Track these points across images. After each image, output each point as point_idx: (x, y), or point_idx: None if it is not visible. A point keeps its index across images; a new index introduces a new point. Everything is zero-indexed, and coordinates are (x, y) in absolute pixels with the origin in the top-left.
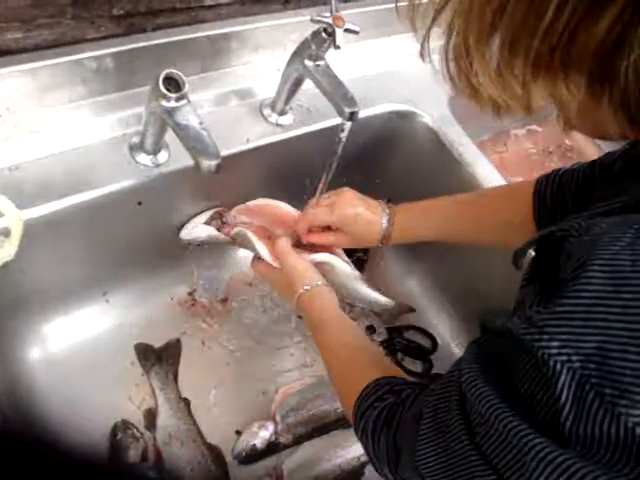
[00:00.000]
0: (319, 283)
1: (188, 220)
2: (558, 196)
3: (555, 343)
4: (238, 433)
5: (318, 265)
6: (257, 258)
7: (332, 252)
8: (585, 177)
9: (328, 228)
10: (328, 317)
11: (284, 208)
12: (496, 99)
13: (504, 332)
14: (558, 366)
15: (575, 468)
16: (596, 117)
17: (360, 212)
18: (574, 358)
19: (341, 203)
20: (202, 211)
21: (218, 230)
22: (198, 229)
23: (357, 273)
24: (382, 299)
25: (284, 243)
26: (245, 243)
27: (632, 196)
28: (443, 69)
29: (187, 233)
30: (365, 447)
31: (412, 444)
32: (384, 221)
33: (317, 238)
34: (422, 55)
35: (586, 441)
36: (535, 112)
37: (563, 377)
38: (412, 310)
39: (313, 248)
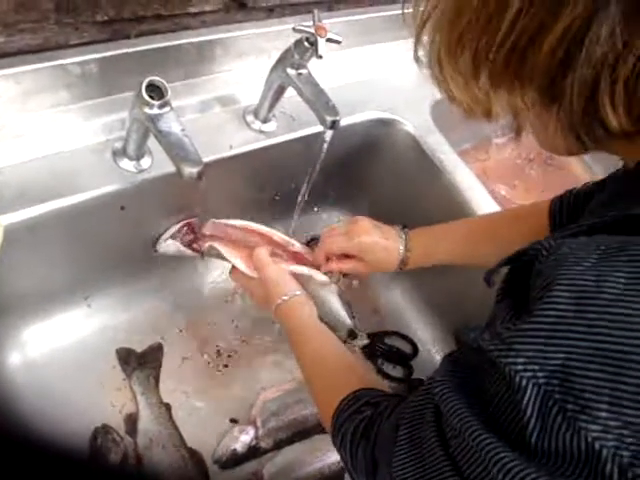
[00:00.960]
0: (297, 293)
1: (164, 232)
2: (572, 216)
3: (521, 360)
4: (233, 421)
5: (296, 276)
6: (235, 267)
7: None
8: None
9: (345, 256)
10: (306, 328)
11: (262, 230)
12: (464, 104)
13: (475, 347)
14: (524, 382)
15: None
16: (547, 130)
17: (377, 240)
18: (539, 374)
19: (357, 231)
20: (175, 223)
21: (189, 244)
22: (167, 243)
23: (334, 287)
24: (346, 320)
25: (262, 252)
26: (220, 256)
27: (602, 217)
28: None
29: (160, 246)
30: (343, 459)
31: (389, 456)
32: (401, 247)
33: (336, 266)
34: (415, 60)
35: (551, 455)
36: (494, 119)
37: (528, 392)
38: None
39: (291, 259)
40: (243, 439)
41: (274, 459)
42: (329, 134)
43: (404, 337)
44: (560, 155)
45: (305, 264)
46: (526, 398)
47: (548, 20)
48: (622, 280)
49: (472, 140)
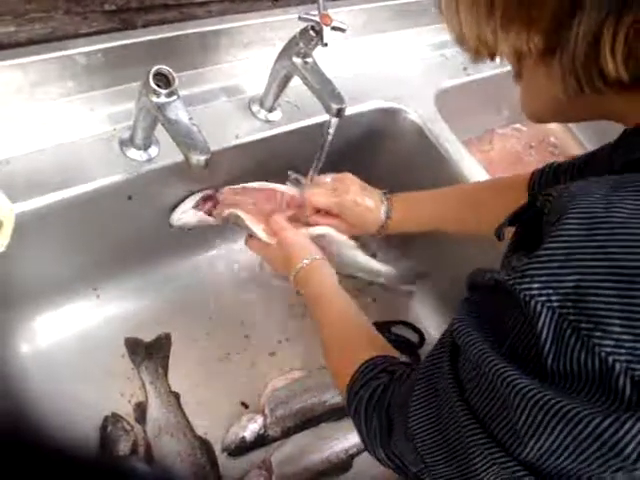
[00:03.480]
0: (317, 257)
1: (177, 204)
2: (553, 185)
3: (536, 285)
4: (244, 405)
5: (315, 239)
6: (250, 236)
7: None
8: (579, 170)
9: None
10: (327, 292)
11: (276, 187)
12: (470, 43)
13: (492, 284)
14: (539, 307)
15: (555, 402)
16: (543, 81)
17: (360, 200)
18: (553, 298)
19: (342, 189)
20: (191, 194)
21: (209, 214)
22: (187, 214)
23: (353, 242)
24: (382, 267)
25: (280, 218)
26: (238, 223)
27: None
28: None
29: (177, 219)
30: (357, 426)
31: (404, 413)
32: (382, 210)
33: (319, 219)
34: (438, 6)
35: (567, 377)
36: (495, 59)
37: (543, 316)
38: (425, 275)
39: (307, 224)
40: (252, 427)
41: (282, 447)
42: (335, 122)
43: (411, 326)
44: (542, 122)
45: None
46: (541, 322)
47: None
48: (630, 206)
49: (476, 130)
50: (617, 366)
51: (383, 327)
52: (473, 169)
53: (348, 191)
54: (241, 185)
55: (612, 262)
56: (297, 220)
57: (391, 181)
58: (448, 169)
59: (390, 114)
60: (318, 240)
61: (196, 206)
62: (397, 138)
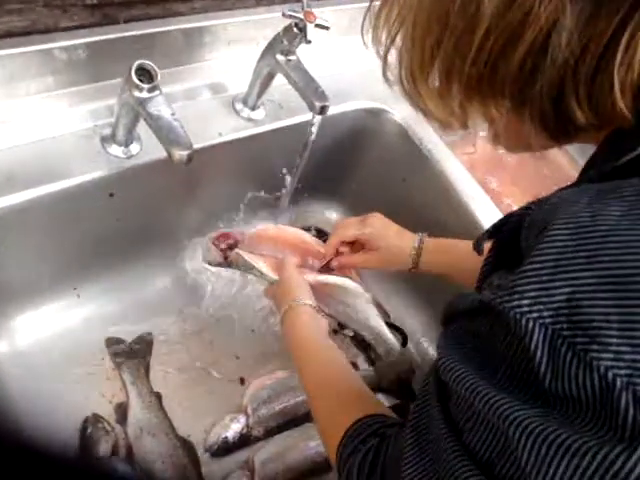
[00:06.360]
0: (308, 302)
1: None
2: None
3: (525, 301)
4: (242, 381)
5: (329, 287)
6: (270, 284)
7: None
8: None
9: (358, 247)
10: (310, 342)
11: (299, 235)
12: (439, 118)
13: (476, 306)
14: (530, 324)
15: (558, 434)
16: (521, 133)
17: (390, 232)
18: (545, 314)
19: (372, 221)
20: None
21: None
22: (210, 253)
23: (369, 296)
24: (391, 339)
25: (288, 257)
26: (245, 265)
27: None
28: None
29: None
30: None
31: (399, 473)
32: (414, 244)
33: (345, 260)
34: (384, 76)
35: (568, 400)
36: (471, 128)
37: (536, 335)
38: (412, 372)
39: (326, 272)
40: (234, 427)
41: (265, 447)
42: (318, 120)
43: (393, 326)
44: (532, 152)
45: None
46: (534, 341)
47: (514, 36)
48: (616, 213)
49: (459, 132)
50: (618, 382)
51: None
52: (456, 170)
53: (379, 222)
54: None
55: (604, 271)
56: (309, 267)
57: (374, 180)
58: (431, 170)
59: (374, 114)
60: (332, 289)
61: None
62: (381, 138)
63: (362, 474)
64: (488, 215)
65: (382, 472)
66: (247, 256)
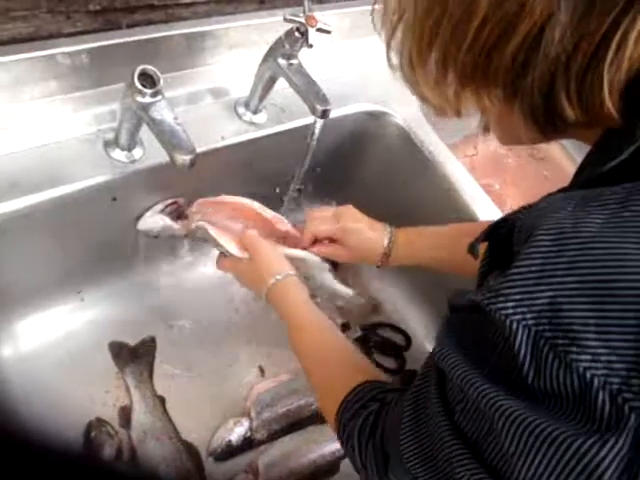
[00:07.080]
0: (291, 273)
1: (148, 209)
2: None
3: (510, 304)
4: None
5: (295, 261)
6: (221, 254)
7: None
8: None
9: (330, 240)
10: (303, 313)
11: (246, 203)
12: (435, 104)
13: (469, 305)
14: (514, 325)
15: (539, 423)
16: (512, 125)
17: (363, 227)
18: (528, 316)
19: (345, 216)
20: (159, 201)
21: (175, 221)
22: (153, 219)
23: (327, 265)
24: (349, 291)
25: (253, 232)
26: (206, 237)
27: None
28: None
29: (143, 223)
30: (350, 457)
31: (397, 444)
32: (385, 240)
33: (318, 249)
34: (389, 66)
35: (549, 396)
36: (463, 116)
37: (520, 335)
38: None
39: (281, 240)
40: (238, 431)
41: (269, 450)
42: (320, 123)
43: (397, 329)
44: (522, 145)
45: (295, 245)
46: (518, 341)
47: (510, 27)
48: (598, 221)
49: (460, 135)
50: (595, 382)
51: (369, 329)
52: (457, 172)
53: (351, 218)
54: (211, 199)
55: (583, 277)
56: (269, 238)
57: (376, 183)
58: (433, 172)
59: (375, 117)
60: (293, 262)
61: (162, 212)
62: (382, 141)
63: (363, 436)
64: (489, 216)
65: (381, 436)
66: (212, 231)
